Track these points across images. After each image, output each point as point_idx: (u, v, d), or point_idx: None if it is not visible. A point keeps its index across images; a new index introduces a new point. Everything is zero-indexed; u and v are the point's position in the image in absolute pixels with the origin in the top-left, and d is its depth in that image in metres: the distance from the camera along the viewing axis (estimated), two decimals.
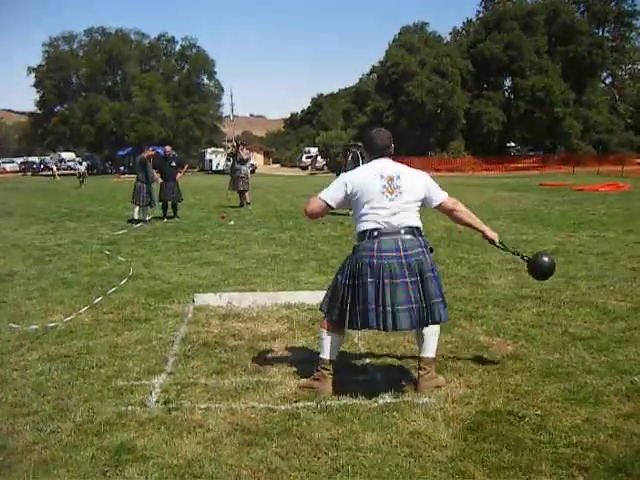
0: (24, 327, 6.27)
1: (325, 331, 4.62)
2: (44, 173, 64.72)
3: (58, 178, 51.13)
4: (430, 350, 4.62)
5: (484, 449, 3.65)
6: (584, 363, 5.02)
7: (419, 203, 4.53)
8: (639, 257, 9.60)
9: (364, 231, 4.42)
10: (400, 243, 4.35)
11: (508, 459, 3.52)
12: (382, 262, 4.30)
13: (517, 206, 18.61)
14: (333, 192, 4.54)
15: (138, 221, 15.66)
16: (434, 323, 4.50)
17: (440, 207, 4.64)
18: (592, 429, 3.86)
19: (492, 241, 4.89)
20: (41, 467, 3.52)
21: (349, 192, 4.46)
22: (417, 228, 4.46)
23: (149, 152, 16.62)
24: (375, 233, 4.37)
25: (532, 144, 65.84)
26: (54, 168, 56.67)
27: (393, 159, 4.60)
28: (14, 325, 6.21)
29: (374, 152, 4.62)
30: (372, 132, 4.70)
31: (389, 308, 4.28)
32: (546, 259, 5.06)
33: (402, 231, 4.38)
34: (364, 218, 4.43)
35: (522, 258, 5.09)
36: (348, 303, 4.38)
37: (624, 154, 51.14)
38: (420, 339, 4.64)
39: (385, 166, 4.50)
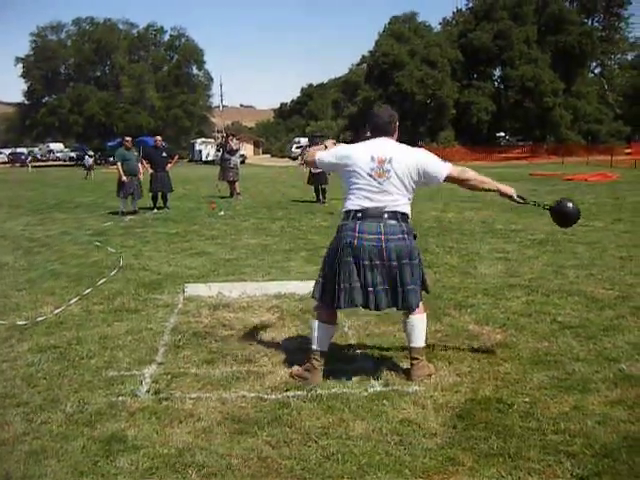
0: (14, 320, 6.26)
1: (316, 322, 4.63)
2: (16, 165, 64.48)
3: (30, 170, 51.20)
4: (419, 339, 4.64)
5: (473, 436, 3.67)
6: (572, 351, 5.06)
7: (412, 187, 4.46)
8: (627, 246, 9.66)
9: (348, 211, 4.46)
10: (382, 227, 4.34)
11: (497, 446, 3.55)
12: (362, 243, 4.32)
13: None
14: (327, 155, 4.66)
15: (128, 213, 15.59)
16: (405, 309, 4.53)
17: (448, 180, 4.56)
18: (580, 416, 3.89)
19: (510, 197, 4.82)
20: (32, 457, 3.52)
21: (341, 162, 4.52)
22: (402, 214, 4.42)
23: (127, 142, 16.32)
24: (359, 215, 4.38)
25: (521, 134, 66.03)
26: (27, 160, 56.72)
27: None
28: (1, 322, 6.17)
29: (372, 131, 4.62)
30: (373, 110, 4.73)
31: (370, 288, 4.33)
32: (570, 205, 4.96)
33: (386, 215, 4.37)
34: (351, 197, 4.46)
35: (544, 208, 4.95)
36: (335, 282, 4.38)
37: (613, 144, 51.40)
38: (408, 329, 4.66)
39: (380, 147, 4.47)
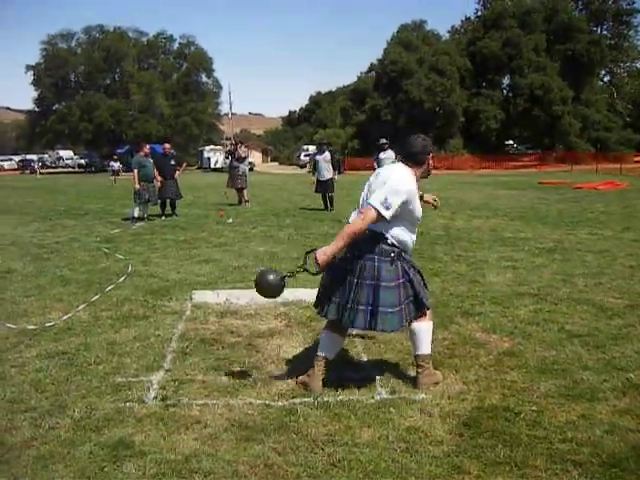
0: (22, 326, 6.28)
1: (325, 330, 4.66)
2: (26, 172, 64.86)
3: (39, 176, 51.52)
4: (424, 346, 4.63)
5: (480, 445, 3.67)
6: (580, 360, 5.05)
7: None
8: (636, 255, 9.63)
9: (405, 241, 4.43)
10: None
11: (503, 454, 3.54)
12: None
13: (515, 204, 18.64)
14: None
15: (138, 219, 15.65)
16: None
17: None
18: (587, 425, 3.88)
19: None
20: (39, 463, 3.54)
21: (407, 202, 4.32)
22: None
23: (146, 149, 16.44)
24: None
25: (530, 142, 65.94)
26: (36, 166, 57.16)
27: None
28: (12, 325, 6.20)
29: (404, 158, 4.56)
30: (410, 138, 4.54)
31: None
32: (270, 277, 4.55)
33: None
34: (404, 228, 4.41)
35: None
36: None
37: (622, 152, 51.24)
38: (413, 336, 4.65)
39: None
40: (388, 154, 17.35)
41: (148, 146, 16.73)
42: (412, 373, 4.78)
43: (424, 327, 4.61)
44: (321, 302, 4.55)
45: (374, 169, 17.71)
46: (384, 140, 17.95)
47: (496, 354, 5.23)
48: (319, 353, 4.62)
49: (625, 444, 3.65)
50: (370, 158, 21.34)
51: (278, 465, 3.50)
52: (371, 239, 4.32)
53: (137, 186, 15.61)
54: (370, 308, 4.29)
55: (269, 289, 4.54)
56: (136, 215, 15.76)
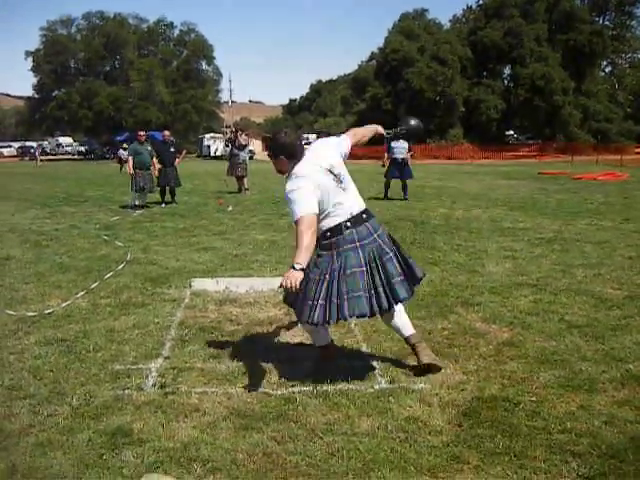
0: (22, 313, 6.28)
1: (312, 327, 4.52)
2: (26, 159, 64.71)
3: (39, 163, 51.50)
4: (409, 327, 4.63)
5: (479, 435, 3.67)
6: (579, 351, 5.04)
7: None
8: (636, 246, 9.61)
9: (338, 225, 4.32)
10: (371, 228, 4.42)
11: (502, 445, 3.54)
12: (365, 249, 4.33)
13: (515, 194, 18.61)
14: (309, 204, 4.15)
15: (137, 207, 15.65)
16: (398, 302, 4.41)
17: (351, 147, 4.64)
18: (586, 416, 3.88)
19: (381, 134, 4.95)
20: (38, 450, 3.54)
21: (318, 194, 4.23)
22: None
23: (140, 136, 16.38)
24: (349, 224, 4.33)
25: (531, 132, 65.73)
26: (36, 153, 57.12)
27: None
28: (11, 312, 6.19)
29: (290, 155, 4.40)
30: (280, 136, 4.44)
31: (373, 291, 4.28)
32: (412, 122, 5.20)
33: (365, 215, 4.44)
34: (332, 214, 4.32)
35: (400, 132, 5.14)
36: (336, 296, 4.21)
37: (623, 143, 51.13)
38: (394, 321, 4.62)
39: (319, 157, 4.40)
40: (400, 143, 17.26)
41: (143, 133, 16.67)
42: (412, 362, 4.78)
43: (396, 309, 4.53)
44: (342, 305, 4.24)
45: (383, 157, 17.74)
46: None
47: (496, 344, 5.23)
48: (322, 344, 4.78)
49: (624, 435, 3.65)
50: (371, 146, 21.26)
51: (277, 454, 3.49)
52: (367, 219, 4.43)
53: (131, 171, 15.63)
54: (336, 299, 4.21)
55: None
56: (137, 203, 15.75)
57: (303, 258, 3.95)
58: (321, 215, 4.25)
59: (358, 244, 4.31)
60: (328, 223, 4.31)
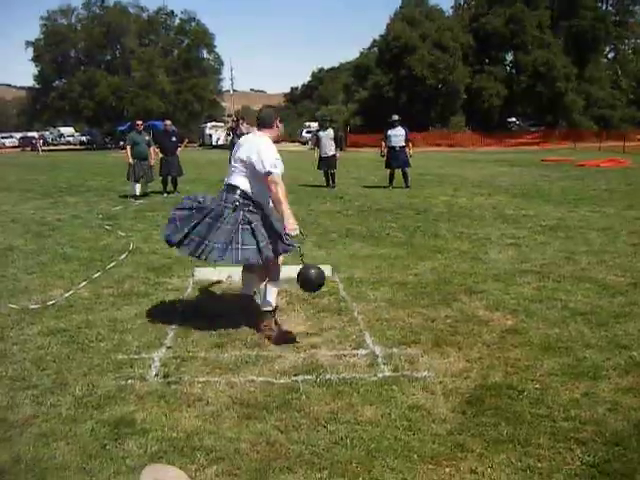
0: (25, 304, 6.28)
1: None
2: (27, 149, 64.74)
3: (41, 153, 51.58)
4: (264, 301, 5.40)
5: (483, 423, 3.66)
6: (583, 338, 5.03)
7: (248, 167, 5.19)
8: (639, 233, 9.58)
9: None
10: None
11: (507, 433, 3.53)
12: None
13: (518, 181, 18.56)
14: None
15: (140, 196, 15.65)
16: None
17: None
18: (590, 403, 3.87)
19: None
20: (41, 440, 3.54)
21: None
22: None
23: (138, 125, 16.43)
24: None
25: (533, 119, 65.45)
26: (39, 144, 57.28)
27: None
28: (13, 306, 6.17)
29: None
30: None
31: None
32: (312, 271, 5.05)
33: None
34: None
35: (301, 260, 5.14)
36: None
37: (626, 130, 50.84)
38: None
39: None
40: (397, 131, 17.21)
41: (140, 122, 16.67)
42: (415, 351, 4.78)
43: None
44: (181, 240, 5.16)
45: (381, 146, 17.67)
46: (396, 117, 17.69)
47: (499, 332, 5.21)
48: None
49: (628, 422, 3.64)
50: (372, 135, 21.19)
51: (280, 443, 3.49)
52: (226, 190, 5.26)
53: (130, 160, 15.63)
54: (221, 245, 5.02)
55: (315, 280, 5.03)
56: (138, 193, 15.73)
57: None
58: None
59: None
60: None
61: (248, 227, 5.08)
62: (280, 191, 4.98)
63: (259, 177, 5.11)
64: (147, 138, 16.44)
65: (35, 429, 3.66)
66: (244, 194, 5.19)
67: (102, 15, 71.89)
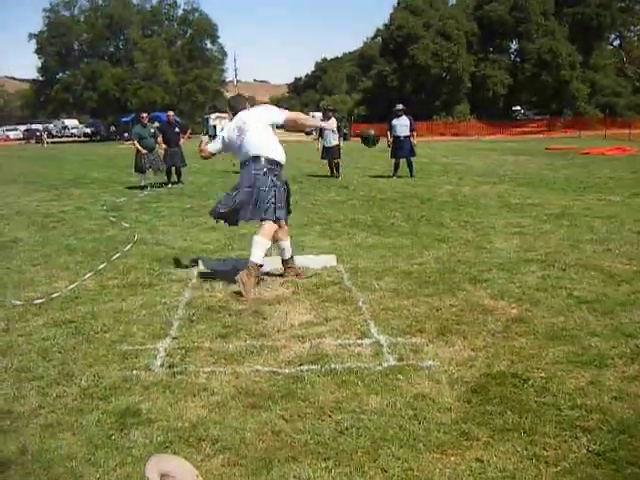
0: (29, 296, 6.29)
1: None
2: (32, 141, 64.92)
3: (46, 145, 51.72)
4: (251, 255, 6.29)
5: (488, 411, 3.65)
6: (589, 326, 5.01)
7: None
8: None
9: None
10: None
11: (512, 421, 3.53)
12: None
13: (522, 170, 18.51)
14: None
15: (155, 185, 15.76)
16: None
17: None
18: (596, 391, 3.86)
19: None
20: (47, 431, 3.55)
21: None
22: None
23: (143, 118, 16.49)
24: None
25: (538, 107, 65.26)
26: (43, 136, 57.49)
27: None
28: (18, 302, 6.16)
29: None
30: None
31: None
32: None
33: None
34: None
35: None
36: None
37: (631, 117, 50.62)
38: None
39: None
40: (402, 121, 17.15)
41: (145, 115, 16.72)
42: (420, 340, 4.77)
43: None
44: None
45: (386, 136, 17.63)
46: (400, 106, 17.63)
47: (504, 320, 5.20)
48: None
49: (634, 410, 3.63)
50: (377, 124, 21.14)
51: (285, 432, 3.49)
52: (253, 161, 6.53)
53: (144, 151, 15.65)
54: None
55: None
56: (143, 183, 15.79)
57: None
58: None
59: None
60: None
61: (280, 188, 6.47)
62: (301, 114, 7.54)
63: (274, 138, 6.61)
64: (152, 130, 16.44)
65: (41, 420, 3.67)
66: (268, 160, 6.43)
67: (105, 6, 71.81)
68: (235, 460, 3.22)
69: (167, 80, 68.82)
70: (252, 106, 6.72)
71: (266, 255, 6.50)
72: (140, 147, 15.72)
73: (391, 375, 4.17)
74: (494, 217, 10.19)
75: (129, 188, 15.99)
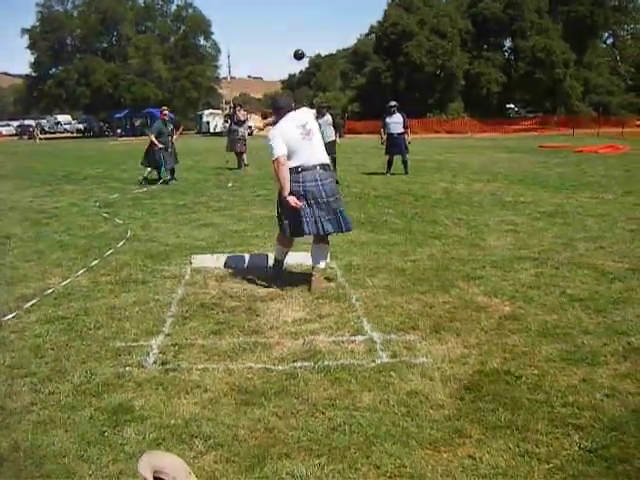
0: (22, 292, 6.28)
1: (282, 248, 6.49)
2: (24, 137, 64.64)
3: (38, 142, 51.58)
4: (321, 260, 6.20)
5: (481, 408, 3.66)
6: (581, 324, 5.03)
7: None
8: (637, 219, 9.58)
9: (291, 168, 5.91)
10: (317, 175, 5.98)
11: (504, 418, 3.54)
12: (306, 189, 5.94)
13: (516, 168, 18.53)
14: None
15: (164, 181, 15.87)
16: (346, 230, 6.26)
17: None
18: (588, 389, 3.87)
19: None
20: (40, 427, 3.54)
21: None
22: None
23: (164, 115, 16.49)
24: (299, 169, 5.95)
25: (532, 105, 65.31)
26: (36, 132, 57.35)
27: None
28: (10, 304, 6.15)
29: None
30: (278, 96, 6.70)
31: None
32: None
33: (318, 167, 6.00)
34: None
35: None
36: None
37: (624, 116, 50.74)
38: (315, 251, 6.26)
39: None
40: (395, 118, 17.16)
41: (166, 111, 16.69)
42: (413, 337, 4.78)
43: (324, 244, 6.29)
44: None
45: (379, 132, 17.59)
46: (393, 103, 17.67)
47: (497, 318, 5.21)
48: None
49: (626, 408, 3.64)
50: (370, 121, 21.11)
51: (278, 429, 3.49)
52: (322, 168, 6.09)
53: (161, 146, 15.70)
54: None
55: None
56: (145, 175, 15.87)
57: (286, 187, 5.89)
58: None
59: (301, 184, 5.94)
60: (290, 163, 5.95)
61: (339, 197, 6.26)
62: None
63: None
64: (170, 128, 16.44)
65: (33, 417, 3.66)
66: (329, 167, 6.27)
67: (98, 2, 71.34)
68: (228, 457, 3.22)
69: (160, 76, 68.56)
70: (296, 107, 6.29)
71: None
72: (158, 142, 15.68)
73: (384, 372, 4.17)
74: (488, 215, 10.21)
75: (123, 184, 15.93)
